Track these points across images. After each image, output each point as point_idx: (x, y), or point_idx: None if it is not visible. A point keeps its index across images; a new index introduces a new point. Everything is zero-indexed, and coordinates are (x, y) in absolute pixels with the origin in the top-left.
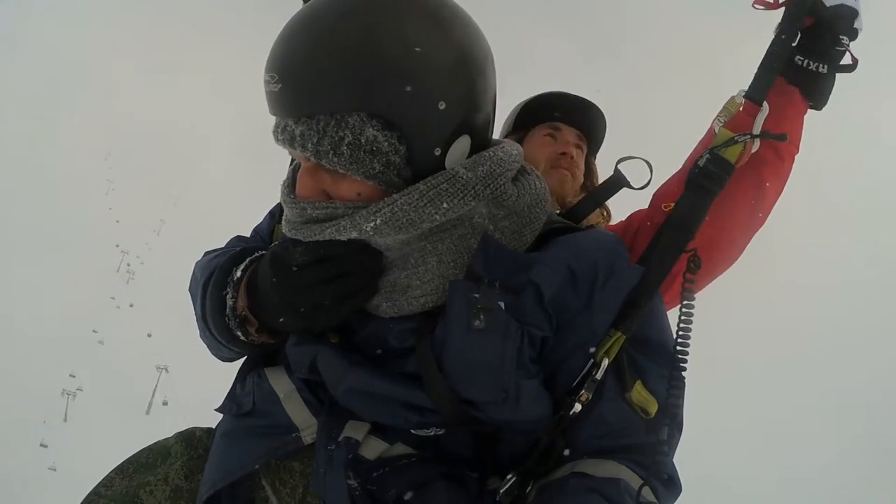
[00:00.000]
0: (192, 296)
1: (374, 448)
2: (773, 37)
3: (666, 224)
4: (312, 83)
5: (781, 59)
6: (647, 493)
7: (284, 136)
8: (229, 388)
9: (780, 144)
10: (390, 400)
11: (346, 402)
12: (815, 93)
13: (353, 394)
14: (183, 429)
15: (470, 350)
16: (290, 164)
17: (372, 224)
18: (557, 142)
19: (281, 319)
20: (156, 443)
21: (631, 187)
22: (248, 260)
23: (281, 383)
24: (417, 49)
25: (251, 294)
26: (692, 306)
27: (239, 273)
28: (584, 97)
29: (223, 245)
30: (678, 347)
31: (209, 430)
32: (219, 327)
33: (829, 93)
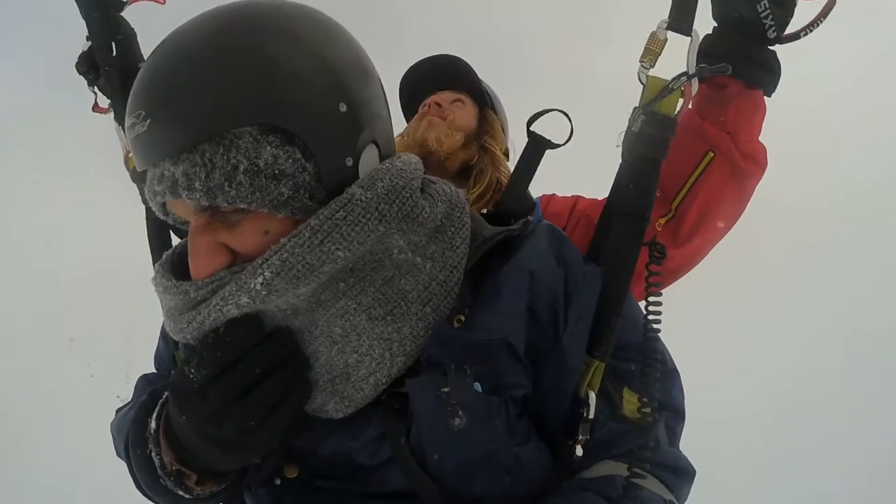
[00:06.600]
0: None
1: None
2: None
3: (611, 211)
4: (188, 106)
5: None
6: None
7: (163, 186)
8: None
9: (757, 151)
10: None
11: None
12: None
13: None
14: None
15: (460, 450)
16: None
17: (260, 279)
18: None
19: (211, 460)
20: None
21: (554, 146)
22: (159, 405)
23: None
24: (307, 48)
25: (172, 443)
26: (660, 303)
27: (153, 423)
28: (442, 54)
29: (132, 390)
30: (646, 350)
31: None
32: (157, 492)
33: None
